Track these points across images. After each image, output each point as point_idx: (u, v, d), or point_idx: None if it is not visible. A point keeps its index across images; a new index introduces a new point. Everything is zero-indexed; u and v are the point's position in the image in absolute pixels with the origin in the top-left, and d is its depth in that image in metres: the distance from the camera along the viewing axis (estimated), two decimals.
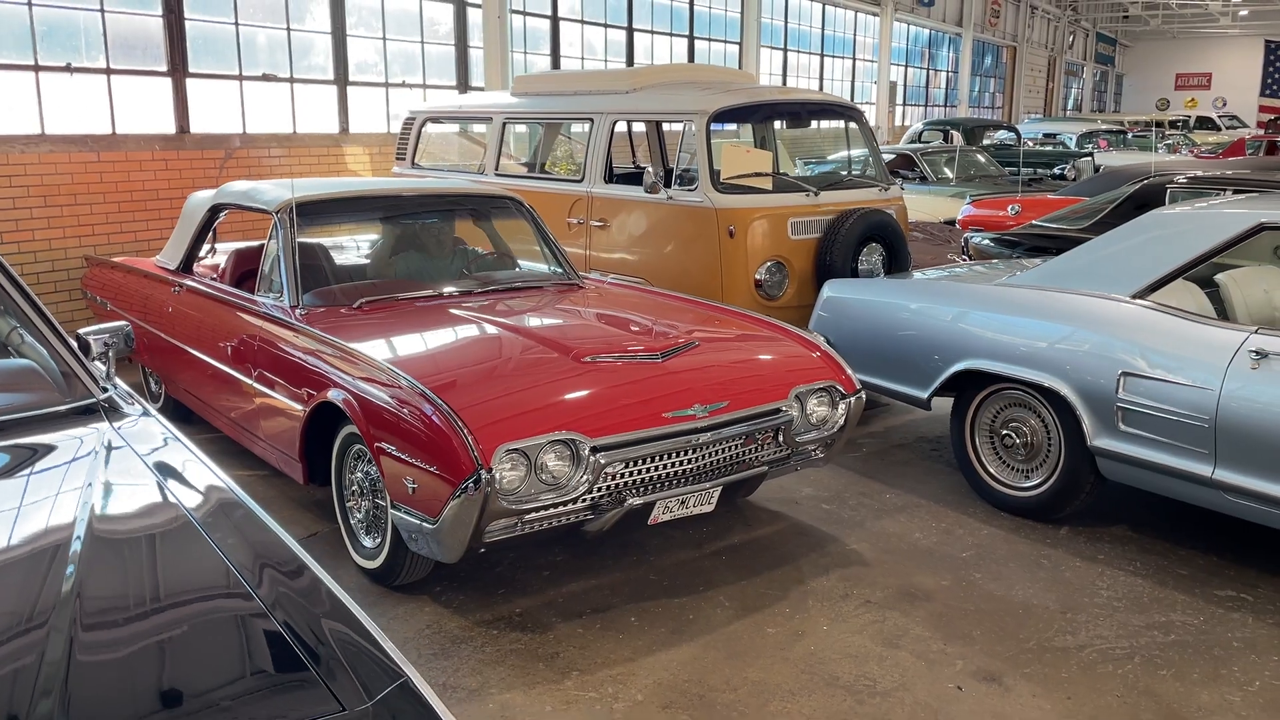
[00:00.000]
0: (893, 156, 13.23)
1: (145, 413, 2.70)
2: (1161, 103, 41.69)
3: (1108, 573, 4.08)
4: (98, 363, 2.87)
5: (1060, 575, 4.05)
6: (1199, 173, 7.18)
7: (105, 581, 1.90)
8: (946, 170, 13.09)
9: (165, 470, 2.37)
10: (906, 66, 23.93)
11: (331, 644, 1.75)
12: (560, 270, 5.21)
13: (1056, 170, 15.20)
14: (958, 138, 17.03)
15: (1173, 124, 28.54)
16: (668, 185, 6.11)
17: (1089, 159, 15.81)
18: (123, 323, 3.04)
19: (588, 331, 4.31)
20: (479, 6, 10.79)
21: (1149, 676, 3.34)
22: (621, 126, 7.10)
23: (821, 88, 19.74)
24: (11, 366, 2.84)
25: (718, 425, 3.74)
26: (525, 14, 12.06)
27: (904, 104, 23.82)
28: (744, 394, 3.90)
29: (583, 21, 13.22)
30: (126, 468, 2.38)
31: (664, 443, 3.61)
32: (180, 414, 5.40)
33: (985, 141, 17.63)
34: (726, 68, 9.12)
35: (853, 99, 21.14)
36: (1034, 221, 7.74)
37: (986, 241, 7.69)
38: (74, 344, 2.87)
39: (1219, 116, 33.15)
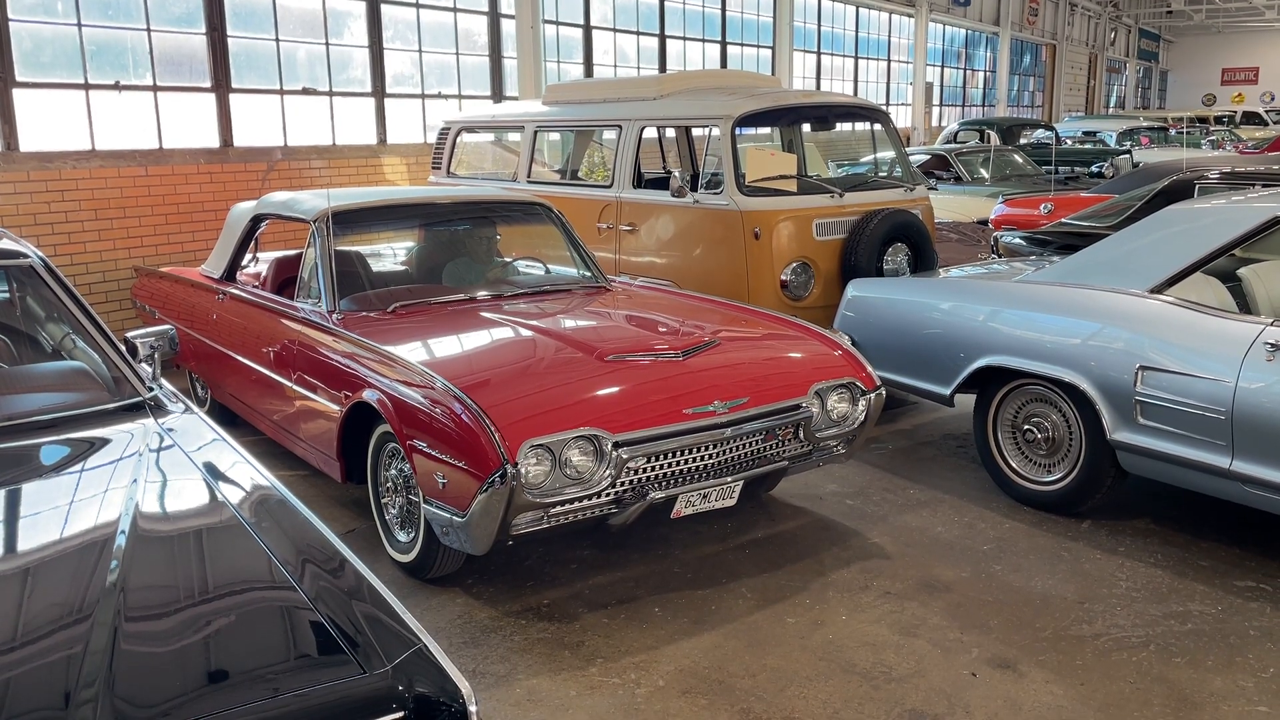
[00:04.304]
0: (927, 157, 13.24)
1: (187, 410, 2.87)
2: (1208, 98, 41.06)
3: (1128, 565, 4.12)
4: (144, 364, 3.05)
5: (1080, 567, 4.10)
6: (1230, 168, 7.16)
7: (149, 573, 2.04)
8: (982, 170, 13.06)
9: (204, 461, 2.53)
10: (943, 67, 23.84)
11: (360, 620, 1.89)
12: (588, 273, 5.35)
13: (1094, 168, 15.10)
14: (994, 137, 16.96)
15: (1218, 119, 28.12)
16: (695, 189, 6.23)
17: (1127, 156, 15.68)
18: (167, 326, 3.22)
19: (612, 332, 4.43)
20: (512, 18, 11.00)
21: (1163, 663, 3.39)
22: (650, 132, 7.22)
23: (856, 90, 19.74)
24: (64, 368, 3.03)
25: (737, 421, 3.85)
26: (558, 24, 12.24)
27: (941, 105, 23.73)
28: (764, 391, 4.01)
29: (615, 30, 13.38)
30: (169, 461, 2.54)
31: (684, 438, 3.73)
32: (225, 418, 5.60)
33: (1022, 141, 17.53)
34: (753, 72, 9.21)
35: (888, 101, 21.12)
36: (1064, 219, 7.76)
37: (1017, 240, 7.73)
38: (122, 347, 3.05)
39: (1266, 111, 32.58)
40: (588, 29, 12.84)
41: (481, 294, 4.89)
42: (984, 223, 10.04)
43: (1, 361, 3.20)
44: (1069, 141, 19.02)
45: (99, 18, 7.74)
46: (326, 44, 9.39)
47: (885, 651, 3.49)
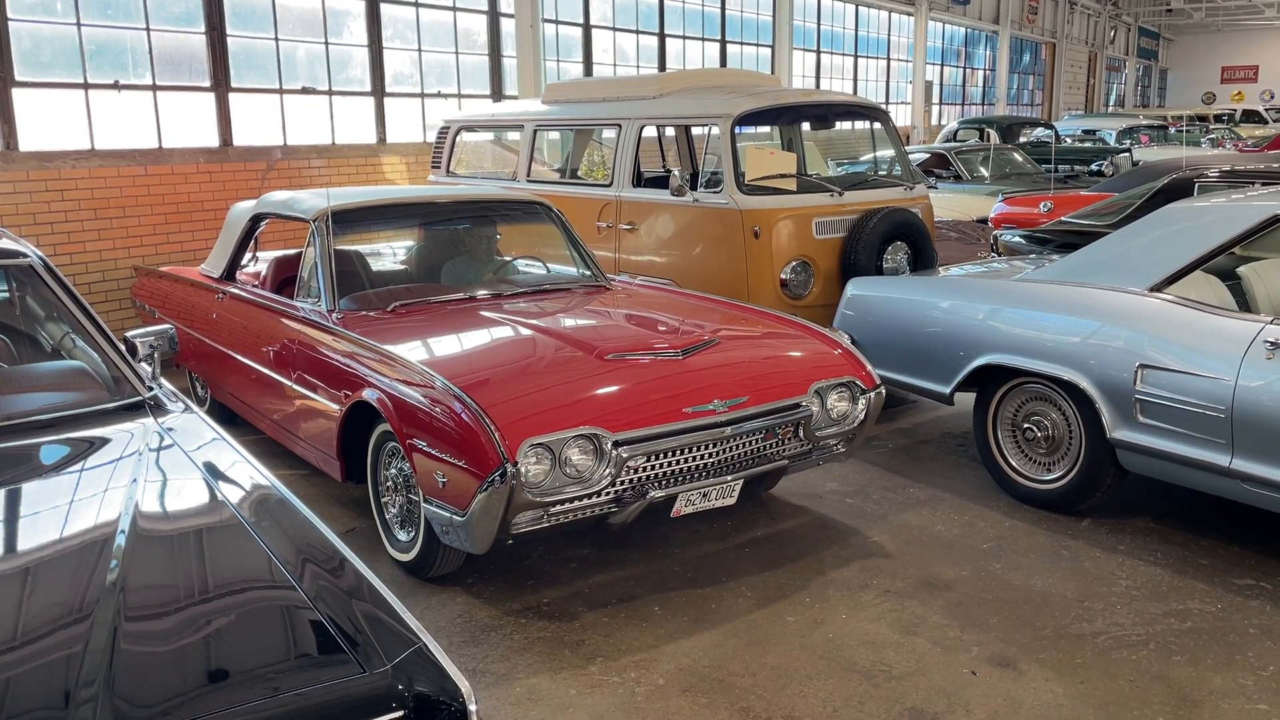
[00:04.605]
0: (927, 155, 13.23)
1: (187, 409, 2.87)
2: (1207, 96, 41.05)
3: (1128, 563, 4.12)
4: (144, 364, 3.05)
5: (1080, 566, 4.11)
6: (1229, 167, 7.16)
7: (149, 573, 2.04)
8: (981, 169, 13.05)
9: (204, 461, 2.53)
10: (943, 65, 23.83)
11: (360, 619, 1.89)
12: (587, 272, 5.35)
13: (1094, 167, 15.08)
14: (993, 136, 16.95)
15: (1218, 118, 28.11)
16: (694, 188, 6.23)
17: (1127, 155, 15.66)
18: (167, 325, 3.22)
19: (612, 331, 4.43)
20: (512, 17, 10.99)
21: (1162, 662, 3.39)
22: (650, 131, 7.22)
23: (855, 89, 19.74)
24: (64, 368, 3.03)
25: (737, 420, 3.85)
26: (557, 22, 12.24)
27: (940, 103, 23.72)
28: (764, 389, 4.01)
29: (614, 29, 13.38)
30: (169, 460, 2.54)
31: (684, 437, 3.73)
32: (225, 417, 5.60)
33: (1022, 139, 17.52)
34: (752, 71, 9.21)
35: (888, 100, 21.12)
36: (1063, 218, 7.76)
37: (1017, 239, 7.72)
38: (121, 346, 3.05)
39: (1266, 109, 32.57)
40: (587, 28, 12.84)
41: (481, 293, 4.89)
42: (984, 221, 10.04)
43: (1, 361, 3.20)
44: (1069, 140, 19.01)
45: (98, 17, 7.74)
46: (326, 43, 9.39)
47: (885, 650, 3.49)
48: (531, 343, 4.21)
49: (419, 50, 10.31)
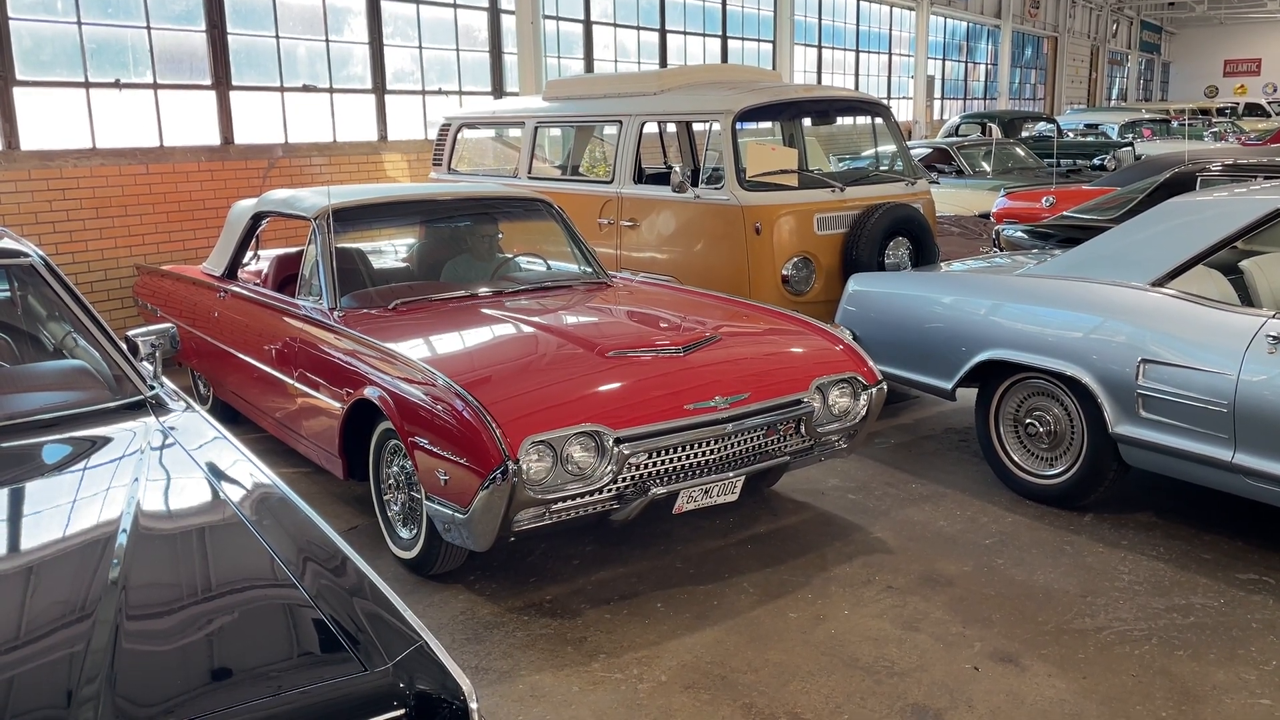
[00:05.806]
0: (929, 150, 13.21)
1: (189, 408, 2.87)
2: (1210, 90, 40.98)
3: (1130, 558, 4.12)
4: (145, 363, 3.05)
5: (1082, 561, 4.10)
6: (1232, 161, 7.14)
7: (150, 571, 2.04)
8: (983, 164, 13.04)
9: (205, 460, 2.53)
10: (944, 60, 23.79)
11: (361, 618, 1.89)
12: (589, 269, 5.34)
13: (1096, 161, 15.06)
14: (995, 130, 16.91)
15: (1220, 111, 28.06)
16: (695, 184, 6.23)
17: (1129, 149, 15.63)
18: (168, 325, 3.22)
19: (613, 328, 4.43)
20: (512, 13, 10.98)
21: (1165, 657, 3.39)
22: (651, 128, 7.22)
23: (857, 84, 19.72)
24: (65, 367, 3.04)
25: (738, 416, 3.85)
26: (558, 19, 12.23)
27: (942, 98, 23.69)
28: (765, 386, 4.00)
29: (615, 25, 13.36)
30: (171, 459, 2.54)
31: (686, 433, 3.73)
32: (228, 415, 5.60)
33: (1024, 134, 17.49)
34: (753, 67, 9.21)
35: (889, 94, 21.09)
36: (1065, 212, 7.75)
37: (1019, 234, 7.72)
38: (123, 346, 3.05)
39: (1269, 102, 32.52)
40: (588, 24, 12.83)
41: (483, 290, 4.89)
42: (985, 216, 10.03)
43: (3, 360, 3.21)
44: (1071, 134, 18.99)
45: (99, 15, 7.74)
46: (326, 41, 9.39)
47: (887, 646, 3.49)
48: (533, 340, 4.20)
49: (420, 47, 10.30)
